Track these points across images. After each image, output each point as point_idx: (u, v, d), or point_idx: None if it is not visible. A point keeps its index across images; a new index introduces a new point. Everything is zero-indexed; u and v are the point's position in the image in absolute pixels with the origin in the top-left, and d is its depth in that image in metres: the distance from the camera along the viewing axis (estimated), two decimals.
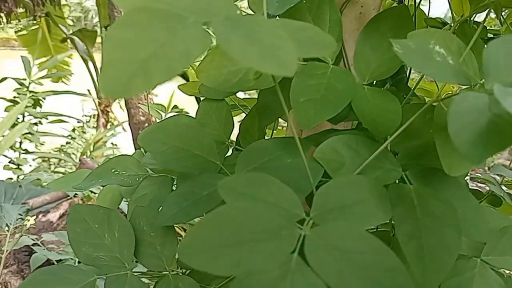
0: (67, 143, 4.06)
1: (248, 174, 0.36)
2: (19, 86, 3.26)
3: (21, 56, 3.41)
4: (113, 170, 0.71)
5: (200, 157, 0.49)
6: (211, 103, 0.65)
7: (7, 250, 1.32)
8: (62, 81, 5.44)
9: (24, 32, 4.87)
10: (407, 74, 0.72)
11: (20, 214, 1.11)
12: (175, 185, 0.65)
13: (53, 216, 2.06)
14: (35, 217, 2.12)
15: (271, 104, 0.57)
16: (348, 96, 0.46)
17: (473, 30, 0.53)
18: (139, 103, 3.10)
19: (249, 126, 0.63)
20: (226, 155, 0.61)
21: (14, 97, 3.22)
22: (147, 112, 3.16)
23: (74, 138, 3.94)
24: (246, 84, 0.49)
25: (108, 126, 4.26)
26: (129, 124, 3.26)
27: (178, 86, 0.84)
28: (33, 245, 1.75)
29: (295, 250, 0.28)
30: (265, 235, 0.29)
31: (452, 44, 0.39)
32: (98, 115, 4.33)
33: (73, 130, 3.91)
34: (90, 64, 4.43)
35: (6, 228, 1.10)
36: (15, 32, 5.25)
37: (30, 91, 3.26)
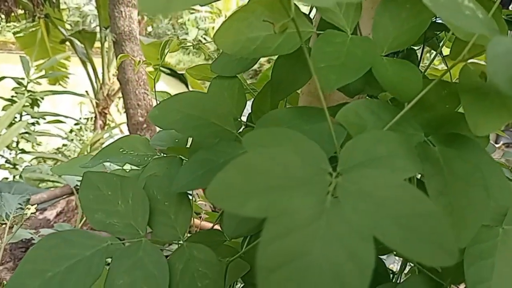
0: (64, 145, 4.03)
1: (272, 128, 0.35)
2: (17, 86, 3.24)
3: (20, 56, 3.39)
4: (121, 150, 0.70)
5: (217, 126, 0.49)
6: (223, 80, 0.64)
7: (2, 243, 1.30)
8: (60, 84, 5.42)
9: (23, 34, 4.86)
10: (419, 57, 0.72)
11: (20, 204, 1.09)
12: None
13: (50, 213, 2.04)
14: (32, 214, 2.09)
15: (285, 78, 0.57)
16: (368, 63, 0.45)
17: (491, 3, 0.52)
18: (138, 104, 3.08)
19: (261, 104, 0.63)
20: (239, 131, 0.60)
21: (12, 96, 3.20)
22: (146, 113, 3.12)
23: (72, 140, 3.91)
24: (264, 51, 0.48)
25: (106, 128, 4.23)
26: (127, 125, 3.24)
27: (187, 70, 0.84)
28: (30, 239, 1.73)
29: (328, 194, 0.27)
30: (294, 182, 0.28)
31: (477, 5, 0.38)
32: (95, 117, 4.31)
33: (71, 131, 3.88)
34: (89, 66, 4.41)
35: (5, 221, 1.08)
36: (14, 33, 5.23)
37: (28, 91, 3.24)
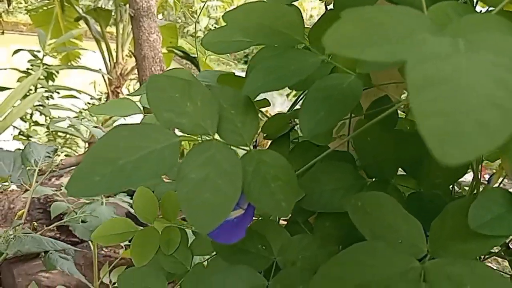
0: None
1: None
2: (32, 58, 3.24)
3: (37, 30, 3.38)
4: None
5: (286, 35, 0.47)
6: (277, 10, 0.62)
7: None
8: (71, 64, 5.40)
9: (37, 12, 4.84)
10: None
11: (48, 153, 1.08)
12: None
13: (67, 180, 2.03)
14: (48, 180, 2.09)
15: (348, 3, 0.55)
16: None
17: None
18: None
19: (320, 33, 0.61)
20: None
21: (28, 68, 3.20)
22: None
23: (83, 118, 3.91)
24: None
25: None
26: None
27: (224, 13, 0.82)
28: (47, 201, 1.73)
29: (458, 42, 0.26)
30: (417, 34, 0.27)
31: None
32: (108, 95, 4.30)
33: (85, 109, 3.88)
34: (103, 44, 4.39)
35: (33, 167, 1.07)
36: (28, 11, 5.22)
37: (44, 64, 3.23)
